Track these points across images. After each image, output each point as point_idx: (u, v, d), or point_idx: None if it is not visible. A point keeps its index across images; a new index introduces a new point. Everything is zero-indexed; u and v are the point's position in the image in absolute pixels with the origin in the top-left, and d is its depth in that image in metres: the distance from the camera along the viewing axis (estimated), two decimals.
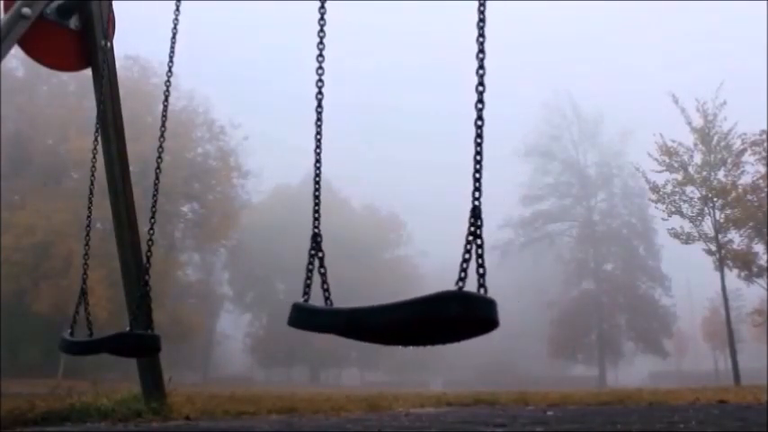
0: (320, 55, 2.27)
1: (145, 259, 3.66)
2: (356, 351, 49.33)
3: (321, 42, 2.28)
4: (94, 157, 4.07)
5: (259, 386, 34.10)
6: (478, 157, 1.71)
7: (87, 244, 3.95)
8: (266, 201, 51.38)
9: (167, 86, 3.72)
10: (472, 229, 1.62)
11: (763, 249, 21.29)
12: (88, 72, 4.55)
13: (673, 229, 22.02)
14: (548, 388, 17.25)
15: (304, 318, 1.92)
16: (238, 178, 39.73)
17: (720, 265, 21.29)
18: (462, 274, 1.59)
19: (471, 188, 1.68)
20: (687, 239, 21.75)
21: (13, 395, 7.86)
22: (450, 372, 54.08)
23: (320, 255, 2.08)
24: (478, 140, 1.73)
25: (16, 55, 17.58)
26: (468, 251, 1.60)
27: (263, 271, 50.29)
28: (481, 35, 1.80)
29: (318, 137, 2.26)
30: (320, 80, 2.28)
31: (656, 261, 45.62)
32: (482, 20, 1.82)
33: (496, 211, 44.11)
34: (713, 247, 21.35)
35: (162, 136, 3.65)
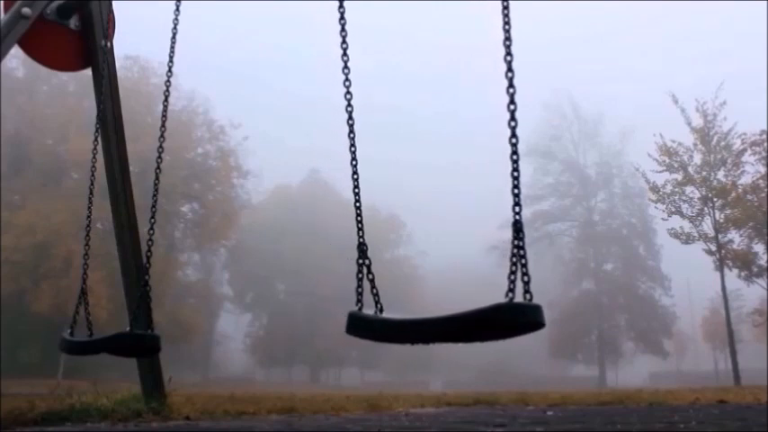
0: (344, 54, 2.31)
1: (145, 259, 3.65)
2: (356, 351, 49.31)
3: (344, 41, 2.31)
4: (94, 157, 4.06)
5: (259, 386, 34.11)
6: (515, 173, 1.81)
7: (87, 244, 3.95)
8: (266, 201, 51.37)
9: (167, 86, 3.71)
10: (516, 242, 1.74)
11: (763, 249, 21.31)
12: (88, 72, 4.55)
13: (673, 229, 22.04)
14: (548, 388, 17.27)
15: (362, 327, 2.05)
16: (238, 178, 39.73)
17: (720, 265, 21.30)
18: (511, 286, 1.72)
19: (512, 203, 1.78)
20: (687, 239, 21.76)
21: (13, 395, 7.86)
22: (450, 372, 54.10)
23: (367, 263, 2.17)
24: (514, 157, 1.81)
25: (16, 55, 17.59)
26: (514, 264, 1.72)
27: (263, 271, 50.27)
28: (507, 38, 1.87)
29: (353, 148, 2.31)
30: (348, 92, 2.33)
31: (656, 261, 45.61)
32: (507, 22, 1.86)
33: (496, 211, 44.12)
34: (713, 247, 21.36)
35: (162, 136, 3.65)
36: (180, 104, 35.00)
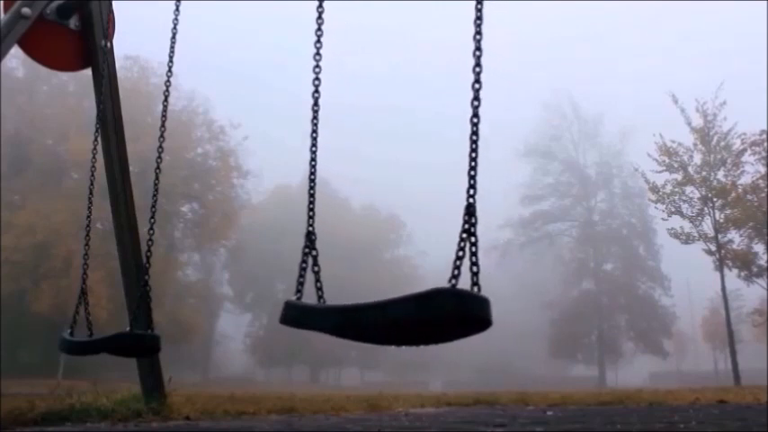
0: (317, 54, 2.27)
1: (144, 259, 3.66)
2: (356, 351, 49.32)
3: (318, 41, 2.27)
4: (94, 157, 4.07)
5: (259, 386, 34.11)
6: (474, 155, 1.70)
7: (87, 244, 3.95)
8: (266, 201, 51.40)
9: (167, 86, 3.72)
10: (466, 226, 1.61)
11: (763, 249, 21.31)
12: (88, 72, 4.55)
13: (673, 229, 22.04)
14: (548, 388, 17.26)
15: (296, 316, 1.88)
16: (238, 178, 39.74)
17: (720, 265, 21.29)
18: (456, 272, 1.57)
19: (466, 185, 1.66)
20: (687, 239, 21.76)
21: (13, 395, 7.85)
22: (450, 372, 54.08)
23: (314, 253, 2.05)
24: (474, 137, 1.71)
25: (16, 55, 17.59)
26: (461, 248, 1.58)
27: (263, 271, 50.28)
28: (478, 32, 1.80)
29: (314, 134, 2.24)
30: (317, 78, 2.27)
31: (655, 261, 45.61)
32: (479, 17, 1.82)
33: (496, 211, 44.13)
34: (713, 247, 21.36)
35: (162, 136, 3.66)
36: (180, 104, 35.02)
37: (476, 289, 1.56)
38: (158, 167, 3.65)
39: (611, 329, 45.66)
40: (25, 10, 3.92)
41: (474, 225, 1.61)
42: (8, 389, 11.73)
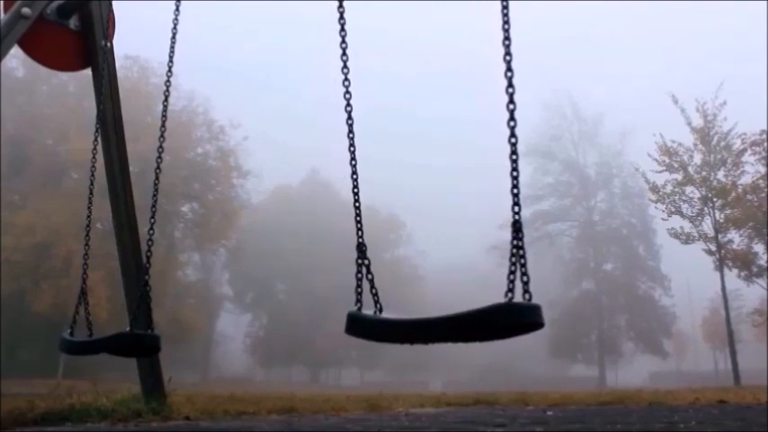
0: (344, 54, 2.30)
1: (145, 259, 3.66)
2: (356, 351, 49.32)
3: (344, 41, 2.30)
4: (94, 158, 4.07)
5: (259, 386, 34.08)
6: (515, 173, 1.80)
7: (87, 244, 3.95)
8: (266, 201, 51.36)
9: (167, 86, 3.72)
10: (515, 242, 1.74)
11: (763, 249, 21.30)
12: (88, 72, 4.55)
13: (673, 229, 22.03)
14: (548, 388, 17.25)
15: (362, 328, 2.05)
16: (238, 178, 39.71)
17: (720, 265, 21.29)
18: (510, 285, 1.72)
19: (511, 203, 1.78)
20: (687, 239, 21.75)
21: (13, 395, 7.85)
22: (450, 372, 54.07)
23: (366, 263, 2.16)
24: (514, 157, 1.81)
25: (16, 55, 17.60)
26: (513, 264, 1.72)
27: (263, 271, 50.28)
28: (507, 38, 1.87)
29: (352, 148, 2.30)
30: (347, 92, 2.32)
31: (655, 261, 45.60)
32: (506, 21, 1.86)
33: (496, 211, 44.10)
34: (713, 247, 21.36)
35: (162, 136, 3.66)
36: (180, 104, 35.00)
37: (527, 296, 1.71)
38: (158, 167, 3.65)
39: (611, 329, 45.64)
40: (25, 10, 3.92)
41: (521, 240, 1.74)
42: (8, 389, 11.73)
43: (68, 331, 3.71)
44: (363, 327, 2.04)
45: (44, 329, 27.36)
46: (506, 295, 1.70)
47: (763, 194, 20.48)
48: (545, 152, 48.92)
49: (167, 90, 3.72)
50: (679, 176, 22.00)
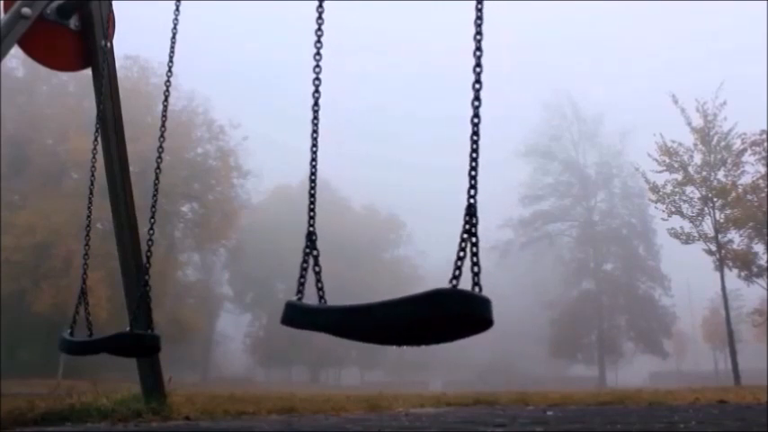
0: (317, 53, 2.27)
1: (145, 259, 3.66)
2: (356, 351, 49.32)
3: (319, 41, 2.28)
4: (94, 157, 4.07)
5: (259, 386, 34.11)
6: (474, 155, 1.70)
7: (87, 244, 3.95)
8: (266, 201, 51.39)
9: (167, 86, 3.72)
10: (467, 226, 1.61)
11: (763, 249, 21.31)
12: (88, 72, 4.55)
13: (673, 229, 22.04)
14: (548, 388, 17.26)
15: (298, 316, 1.89)
16: (238, 178, 39.75)
17: (720, 265, 21.30)
18: (457, 272, 1.58)
19: (467, 185, 1.67)
20: (687, 239, 21.76)
21: (13, 395, 7.85)
22: (450, 372, 54.05)
23: (315, 253, 2.06)
24: (474, 138, 1.72)
25: (16, 55, 17.58)
26: (462, 249, 1.59)
27: (263, 271, 50.28)
28: (478, 33, 1.81)
29: (314, 135, 2.24)
30: (317, 78, 2.27)
31: (656, 261, 45.60)
32: (479, 17, 1.82)
33: (496, 211, 44.13)
34: (713, 247, 21.36)
35: (162, 136, 3.66)
36: (180, 104, 35.01)
37: (477, 289, 1.56)
38: (158, 167, 3.65)
39: (611, 329, 45.64)
40: (25, 10, 3.92)
41: (475, 225, 1.62)
42: (8, 389, 11.73)
43: (68, 331, 3.71)
44: (299, 316, 1.89)
45: (44, 329, 27.39)
46: (451, 282, 1.55)
47: (763, 194, 20.49)
48: (545, 152, 48.95)
49: (167, 90, 3.72)
50: (679, 176, 22.01)
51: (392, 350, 38.15)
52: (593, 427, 3.39)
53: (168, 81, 3.72)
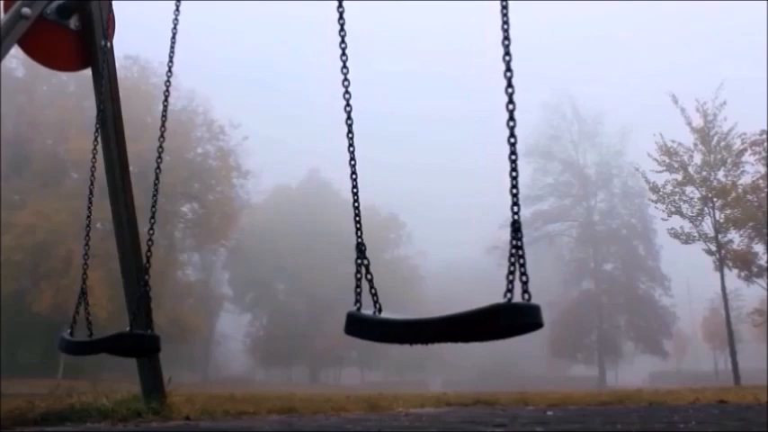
0: (343, 54, 2.30)
1: (144, 259, 3.66)
2: (356, 351, 49.32)
3: (343, 41, 2.31)
4: (94, 158, 4.07)
5: (259, 386, 34.10)
6: (514, 173, 1.82)
7: (87, 244, 3.95)
8: (266, 201, 51.36)
9: (167, 86, 3.72)
10: (514, 242, 1.74)
11: (763, 249, 21.32)
12: (88, 72, 4.55)
13: (673, 229, 22.04)
14: (548, 388, 17.26)
15: (361, 328, 2.05)
16: (238, 178, 39.74)
17: (720, 265, 21.30)
18: (510, 286, 1.72)
19: (510, 203, 1.79)
20: (687, 239, 21.76)
21: (13, 395, 7.85)
22: (450, 372, 54.06)
23: (366, 263, 2.17)
24: (513, 157, 1.82)
25: (16, 55, 17.60)
26: (512, 264, 1.72)
27: (263, 271, 50.29)
28: (506, 38, 1.87)
29: (351, 148, 2.30)
30: (347, 92, 2.32)
31: (655, 261, 45.60)
32: (506, 21, 1.86)
33: (496, 211, 44.09)
34: (713, 247, 21.36)
35: (162, 136, 3.66)
36: (180, 104, 35.02)
37: (526, 296, 1.71)
38: (158, 167, 3.65)
39: (611, 329, 45.65)
40: (25, 10, 3.92)
41: (520, 240, 1.74)
42: (8, 389, 11.73)
43: (68, 331, 3.71)
44: (363, 327, 2.04)
45: (44, 329, 27.38)
46: (505, 295, 1.70)
47: (763, 194, 20.49)
48: (545, 152, 48.93)
49: (167, 90, 3.72)
50: (679, 176, 22.01)
51: (392, 350, 38.13)
52: (593, 427, 3.39)
53: (168, 81, 3.72)
